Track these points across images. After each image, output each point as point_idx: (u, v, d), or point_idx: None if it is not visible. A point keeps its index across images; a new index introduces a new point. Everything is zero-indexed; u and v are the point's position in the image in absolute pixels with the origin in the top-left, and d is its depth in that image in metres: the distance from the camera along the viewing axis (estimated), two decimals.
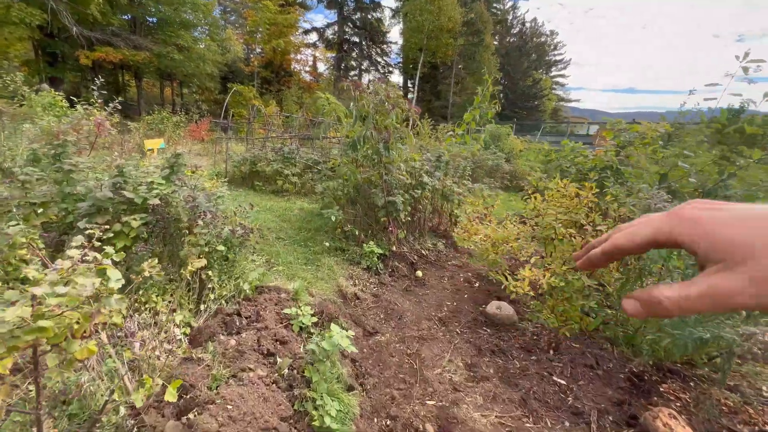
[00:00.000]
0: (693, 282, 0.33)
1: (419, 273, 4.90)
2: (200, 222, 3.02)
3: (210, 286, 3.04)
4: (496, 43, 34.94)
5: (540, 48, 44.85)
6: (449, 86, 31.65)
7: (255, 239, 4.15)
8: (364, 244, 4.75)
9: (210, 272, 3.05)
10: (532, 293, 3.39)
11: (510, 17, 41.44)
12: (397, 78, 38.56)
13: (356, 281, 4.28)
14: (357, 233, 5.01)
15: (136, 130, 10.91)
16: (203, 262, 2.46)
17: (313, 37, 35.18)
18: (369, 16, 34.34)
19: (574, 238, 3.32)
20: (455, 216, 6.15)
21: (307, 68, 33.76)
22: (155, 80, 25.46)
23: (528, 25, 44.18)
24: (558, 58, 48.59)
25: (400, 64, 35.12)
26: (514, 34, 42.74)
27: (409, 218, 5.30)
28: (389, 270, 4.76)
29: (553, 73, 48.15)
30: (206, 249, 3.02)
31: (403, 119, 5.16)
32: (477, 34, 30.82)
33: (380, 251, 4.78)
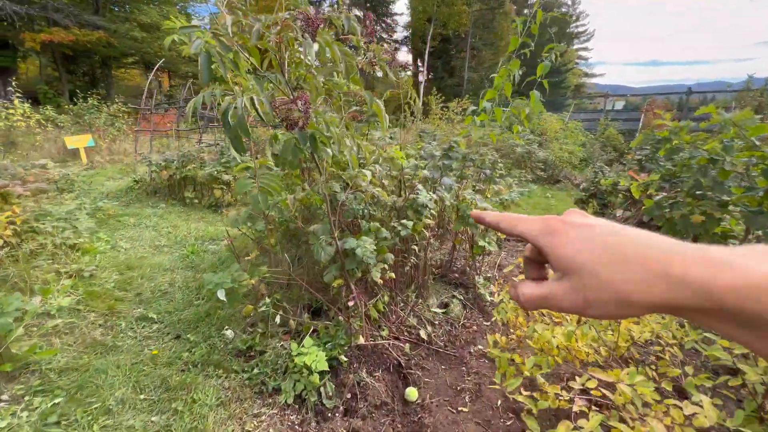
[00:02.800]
0: (543, 284, 0.38)
1: (412, 392, 2.40)
2: None
3: None
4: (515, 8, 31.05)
5: (561, 19, 40.35)
6: (463, 61, 28.19)
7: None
8: (296, 346, 2.27)
9: None
10: None
11: None
12: (404, 57, 35.24)
13: None
14: (289, 312, 2.52)
15: (64, 125, 8.66)
16: None
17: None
18: None
19: None
20: (481, 248, 3.55)
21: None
22: (140, 69, 23.22)
23: None
24: (581, 29, 43.88)
25: (408, 40, 31.75)
26: (532, 5, 38.20)
27: (393, 272, 2.78)
28: (347, 395, 2.27)
29: (575, 46, 43.54)
30: None
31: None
32: None
33: (331, 354, 2.31)
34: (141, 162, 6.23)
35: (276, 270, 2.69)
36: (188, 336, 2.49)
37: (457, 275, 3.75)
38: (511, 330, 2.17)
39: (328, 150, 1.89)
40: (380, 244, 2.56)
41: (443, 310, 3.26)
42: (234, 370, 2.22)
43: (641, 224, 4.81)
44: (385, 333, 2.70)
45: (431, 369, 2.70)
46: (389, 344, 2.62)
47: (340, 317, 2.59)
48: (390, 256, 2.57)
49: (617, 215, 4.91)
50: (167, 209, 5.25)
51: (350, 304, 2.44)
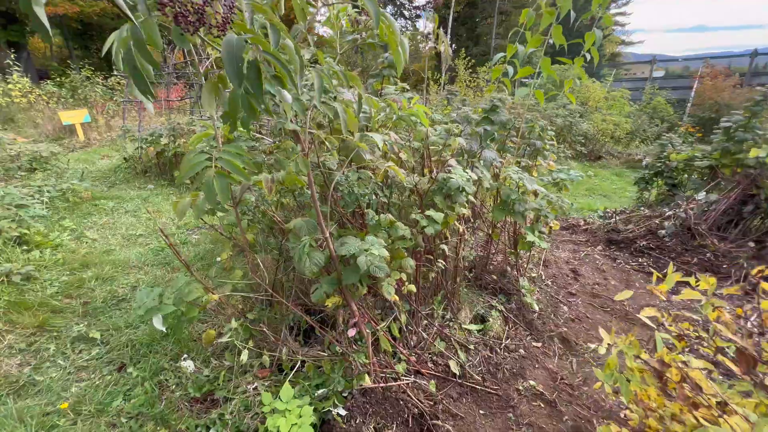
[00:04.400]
0: None
1: None
2: None
3: None
4: None
5: None
6: (491, 27, 25.99)
7: None
8: (269, 397, 1.54)
9: None
10: None
11: None
12: (425, 26, 33.06)
13: None
14: (269, 338, 1.80)
15: (66, 99, 8.14)
16: None
17: None
18: None
19: None
20: (528, 243, 2.68)
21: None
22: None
23: None
24: None
25: (431, 6, 29.57)
26: None
27: (413, 282, 2.01)
28: None
29: (612, 10, 39.66)
30: None
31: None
32: None
33: (323, 406, 1.58)
34: (120, 137, 5.58)
35: (252, 281, 1.95)
36: (131, 369, 1.81)
37: (495, 277, 2.92)
38: (631, 407, 1.35)
39: (285, 93, 1.08)
40: (395, 245, 1.76)
41: (479, 327, 2.47)
42: None
43: (729, 211, 3.78)
44: (401, 368, 1.93)
45: (465, 416, 1.94)
46: (407, 385, 1.87)
47: (337, 347, 1.84)
48: (410, 263, 1.77)
49: (698, 198, 3.89)
50: (155, 191, 4.61)
51: (350, 334, 1.68)
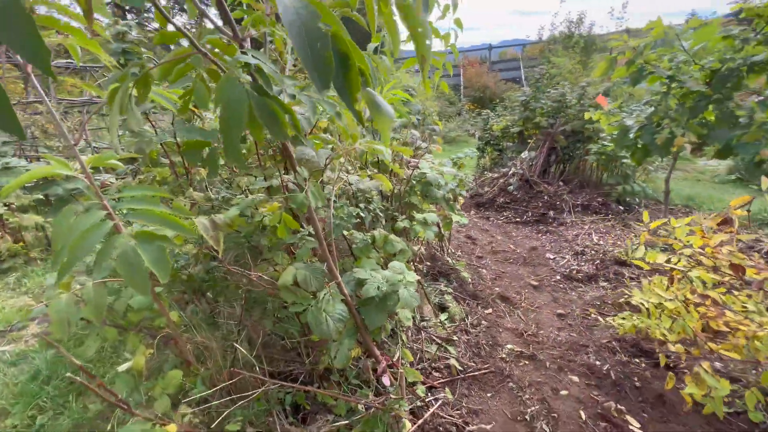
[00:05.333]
0: None
1: None
2: None
3: None
4: None
5: None
6: None
7: None
8: None
9: None
10: None
11: None
12: None
13: None
14: None
15: None
16: None
17: None
18: None
19: None
20: (450, 223, 2.81)
21: None
22: None
23: None
24: None
25: None
26: None
27: None
28: None
29: None
30: None
31: None
32: None
33: None
34: None
35: (199, 375, 1.32)
36: None
37: (428, 264, 2.98)
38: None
39: None
40: (398, 259, 1.52)
41: (445, 316, 2.48)
42: None
43: (544, 162, 5.04)
44: (421, 391, 1.73)
45: (482, 407, 1.92)
46: (439, 412, 1.69)
47: (359, 405, 1.48)
48: (414, 277, 1.56)
49: (523, 156, 4.98)
50: None
51: (387, 382, 1.37)
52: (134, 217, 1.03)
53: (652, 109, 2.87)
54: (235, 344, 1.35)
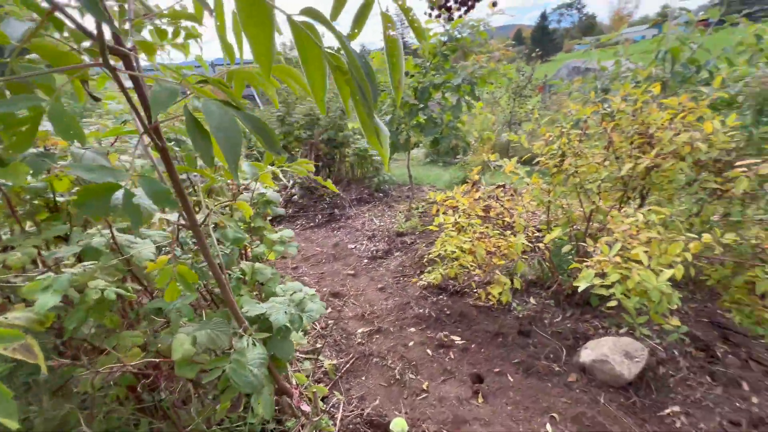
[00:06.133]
0: None
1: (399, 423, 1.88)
2: None
3: None
4: None
5: None
6: None
7: None
8: None
9: None
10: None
11: None
12: None
13: None
14: None
15: None
16: None
17: None
18: None
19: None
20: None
21: None
22: None
23: None
24: None
25: None
26: None
27: None
28: None
29: None
30: None
31: None
32: None
33: None
34: None
35: None
36: None
37: None
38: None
39: None
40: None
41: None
42: None
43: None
44: (321, 404, 1.74)
45: (363, 390, 2.14)
46: (343, 413, 1.76)
47: None
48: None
49: None
50: None
51: (306, 409, 1.35)
52: None
53: (391, 116, 3.84)
54: None
